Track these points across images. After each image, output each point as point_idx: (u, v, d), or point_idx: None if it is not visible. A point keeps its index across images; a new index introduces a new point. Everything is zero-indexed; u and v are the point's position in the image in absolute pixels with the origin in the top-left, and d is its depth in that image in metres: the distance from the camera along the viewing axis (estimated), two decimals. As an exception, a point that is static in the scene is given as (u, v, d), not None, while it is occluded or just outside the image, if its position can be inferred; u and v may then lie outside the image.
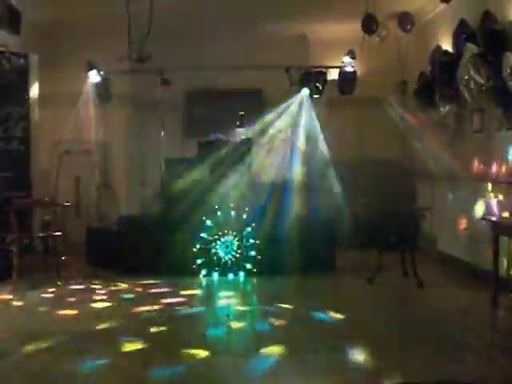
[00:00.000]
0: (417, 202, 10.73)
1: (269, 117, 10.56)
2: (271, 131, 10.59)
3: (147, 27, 8.70)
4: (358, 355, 5.03)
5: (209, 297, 7.61)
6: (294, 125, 10.74)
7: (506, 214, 7.01)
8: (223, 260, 8.56)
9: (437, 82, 8.87)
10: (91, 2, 9.70)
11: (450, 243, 8.84)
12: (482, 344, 5.37)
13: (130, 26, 8.77)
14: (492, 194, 7.64)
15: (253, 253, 8.50)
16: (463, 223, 8.45)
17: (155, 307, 6.78)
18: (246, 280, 8.35)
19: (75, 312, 6.61)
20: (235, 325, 6.08)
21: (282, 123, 10.64)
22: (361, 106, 11.28)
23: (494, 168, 7.64)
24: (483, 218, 7.26)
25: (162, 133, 10.09)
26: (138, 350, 5.20)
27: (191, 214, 8.52)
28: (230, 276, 8.45)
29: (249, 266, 8.48)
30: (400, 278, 8.07)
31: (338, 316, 6.31)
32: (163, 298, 7.25)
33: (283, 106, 10.62)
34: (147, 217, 9.53)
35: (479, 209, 7.87)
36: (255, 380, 4.54)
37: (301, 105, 10.64)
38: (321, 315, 6.37)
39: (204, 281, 8.34)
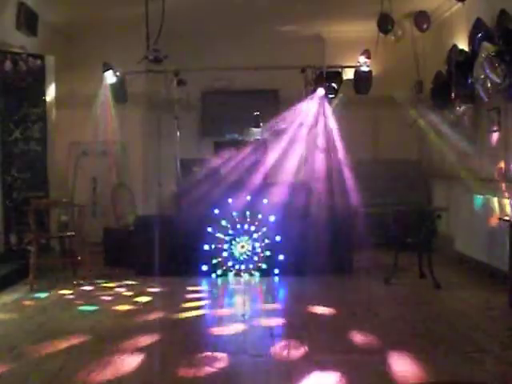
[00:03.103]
0: (433, 202, 10.68)
1: (285, 117, 10.51)
2: (287, 131, 10.53)
3: (162, 28, 8.72)
4: (375, 355, 5.02)
5: (223, 297, 7.62)
6: (310, 124, 10.68)
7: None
8: (238, 260, 8.57)
9: (453, 81, 8.82)
10: (107, 3, 9.75)
11: (466, 244, 8.78)
12: (499, 345, 5.33)
13: (147, 27, 8.79)
14: (508, 194, 7.59)
15: (268, 253, 8.50)
16: (480, 223, 8.39)
17: (171, 306, 6.81)
18: (262, 280, 8.35)
19: (92, 311, 6.66)
20: (250, 324, 6.10)
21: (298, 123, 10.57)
22: (376, 106, 11.28)
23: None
24: (500, 219, 7.21)
25: (178, 133, 10.09)
26: (156, 350, 5.23)
27: (207, 213, 8.55)
28: (245, 276, 8.47)
29: (264, 266, 8.49)
30: (417, 279, 8.04)
31: (354, 316, 6.31)
32: (179, 297, 7.29)
33: (299, 106, 10.56)
34: (164, 217, 9.54)
35: (496, 209, 7.82)
36: (271, 380, 4.54)
37: (317, 105, 10.59)
38: (336, 315, 6.38)
39: (219, 281, 8.36)
